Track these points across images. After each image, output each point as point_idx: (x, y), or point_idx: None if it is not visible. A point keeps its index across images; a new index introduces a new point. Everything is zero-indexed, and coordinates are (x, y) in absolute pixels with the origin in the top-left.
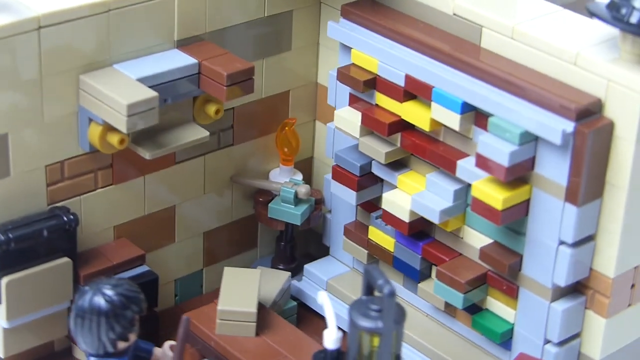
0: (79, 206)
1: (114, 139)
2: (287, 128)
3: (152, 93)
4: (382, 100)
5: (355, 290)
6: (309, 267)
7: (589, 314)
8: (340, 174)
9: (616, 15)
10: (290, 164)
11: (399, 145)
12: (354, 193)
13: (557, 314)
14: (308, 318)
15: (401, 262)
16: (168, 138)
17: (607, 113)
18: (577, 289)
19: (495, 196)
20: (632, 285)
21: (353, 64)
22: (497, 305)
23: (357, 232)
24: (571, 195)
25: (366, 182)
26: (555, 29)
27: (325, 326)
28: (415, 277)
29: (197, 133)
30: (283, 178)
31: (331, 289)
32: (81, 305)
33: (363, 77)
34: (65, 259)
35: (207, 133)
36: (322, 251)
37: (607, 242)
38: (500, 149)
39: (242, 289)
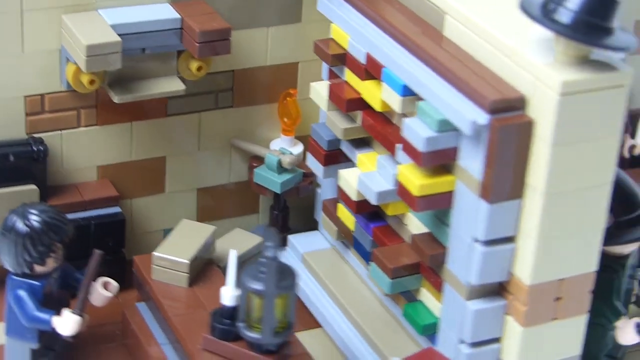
0: (59, 141)
1: (84, 79)
2: (288, 98)
3: (115, 38)
4: (350, 76)
5: (326, 267)
6: (291, 238)
7: (508, 319)
8: (313, 147)
9: (546, 14)
10: (291, 134)
11: (359, 123)
12: (321, 167)
13: (470, 314)
14: None
15: (358, 242)
16: (142, 86)
17: (530, 112)
18: (499, 292)
19: (413, 181)
20: (558, 299)
21: (332, 38)
22: (427, 297)
23: (332, 209)
24: (484, 191)
25: (335, 157)
26: (508, 22)
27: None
28: (366, 258)
29: (172, 86)
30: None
31: (305, 262)
32: (5, 223)
33: (333, 51)
34: (32, 187)
35: (183, 87)
36: None
37: (525, 247)
38: (418, 134)
39: (187, 240)
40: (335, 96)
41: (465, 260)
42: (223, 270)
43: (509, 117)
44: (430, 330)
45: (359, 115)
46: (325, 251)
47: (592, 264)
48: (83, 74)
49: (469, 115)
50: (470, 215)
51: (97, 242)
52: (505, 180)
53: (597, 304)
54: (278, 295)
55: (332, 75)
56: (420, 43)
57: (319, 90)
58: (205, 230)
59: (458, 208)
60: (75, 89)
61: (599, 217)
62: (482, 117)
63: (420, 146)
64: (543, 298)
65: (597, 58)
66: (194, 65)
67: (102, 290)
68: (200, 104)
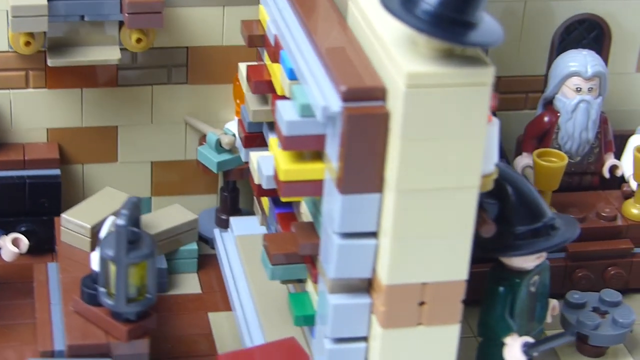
0: (8, 100)
1: (20, 40)
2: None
3: (42, 1)
4: (267, 58)
5: (251, 252)
6: (232, 220)
7: (373, 319)
8: (239, 128)
9: (406, 8)
10: None
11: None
12: (243, 149)
13: (330, 308)
14: (211, 265)
15: (270, 227)
16: (77, 52)
17: (389, 104)
18: (368, 289)
19: (280, 166)
20: (422, 303)
21: (258, 19)
22: (310, 288)
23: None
24: (338, 181)
25: (255, 140)
26: None
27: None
28: None
29: (108, 54)
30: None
31: (236, 245)
32: None
33: (253, 32)
34: None
35: (117, 57)
36: None
37: (383, 244)
38: (282, 117)
39: (100, 207)
40: (249, 77)
41: (328, 252)
42: None
43: (363, 107)
44: (307, 322)
45: (270, 97)
46: (258, 236)
47: (461, 272)
48: (20, 35)
49: (322, 101)
50: (331, 206)
51: (32, 201)
52: (358, 172)
53: (489, 318)
54: (131, 263)
55: (258, 57)
56: (315, 28)
57: (242, 71)
58: (123, 199)
59: (325, 197)
60: (15, 49)
61: (465, 222)
62: (336, 105)
63: (283, 129)
64: (404, 300)
65: (469, 53)
66: (133, 36)
67: (10, 246)
68: (152, 77)
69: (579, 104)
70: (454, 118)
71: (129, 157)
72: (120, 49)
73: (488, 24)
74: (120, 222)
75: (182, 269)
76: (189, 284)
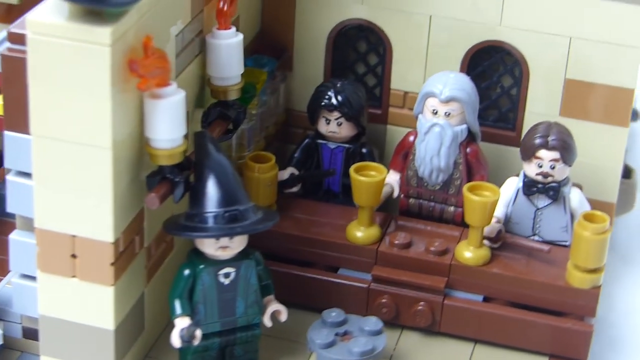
0: None
1: None
2: None
3: None
4: None
5: None
6: None
7: None
8: None
9: None
10: None
11: None
12: None
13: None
14: None
15: None
16: None
17: None
18: None
19: None
20: (73, 256)
21: None
22: None
23: None
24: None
25: None
26: None
27: None
28: None
29: None
30: None
31: None
32: None
33: None
34: None
35: None
36: None
37: None
38: None
39: None
40: None
41: None
42: None
43: (21, 50)
44: None
45: None
46: None
47: (105, 233)
48: None
49: None
50: None
51: None
52: (14, 112)
53: (169, 296)
54: None
55: None
56: None
57: None
58: None
59: None
60: None
61: (103, 183)
62: (5, 45)
63: None
64: (55, 247)
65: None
66: None
67: None
68: None
69: (433, 127)
70: (76, 74)
71: None
72: None
73: None
74: None
75: None
76: None
